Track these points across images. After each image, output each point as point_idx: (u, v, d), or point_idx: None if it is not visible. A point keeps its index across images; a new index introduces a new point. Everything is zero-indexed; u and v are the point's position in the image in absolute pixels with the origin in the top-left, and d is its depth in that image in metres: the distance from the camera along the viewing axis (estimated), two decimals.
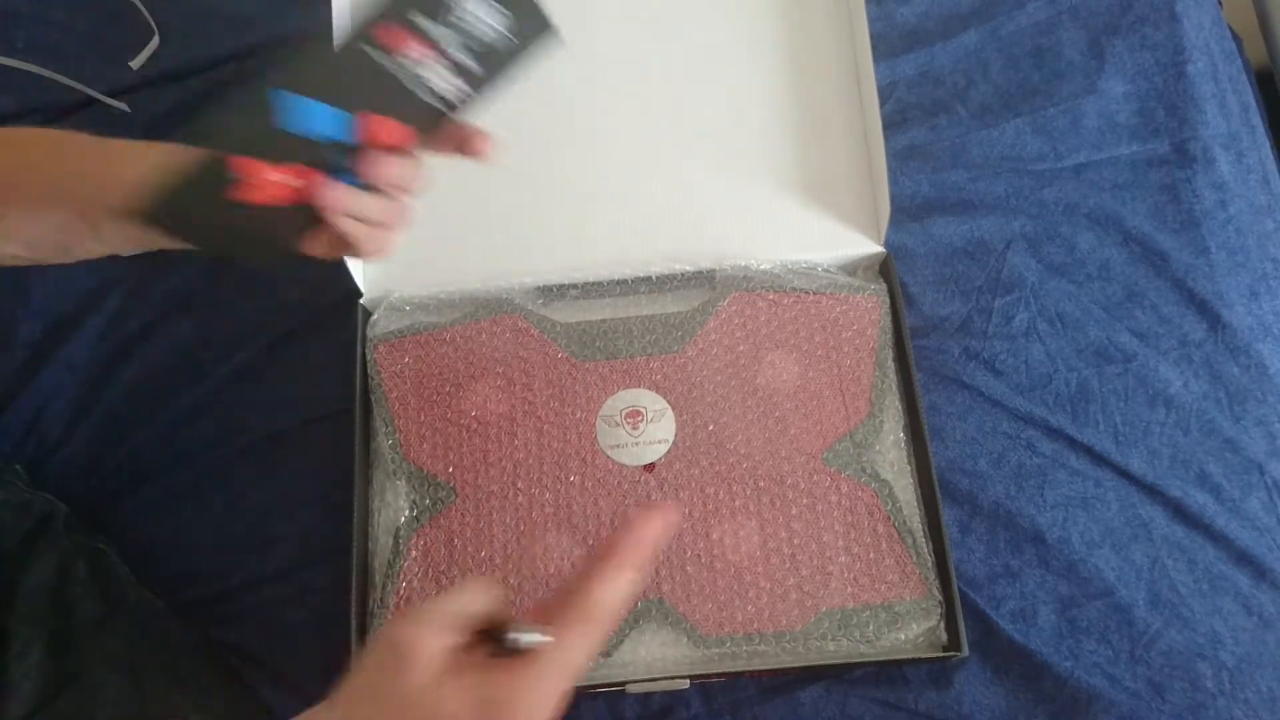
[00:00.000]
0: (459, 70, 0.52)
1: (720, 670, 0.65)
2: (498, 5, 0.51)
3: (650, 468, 0.68)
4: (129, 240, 0.52)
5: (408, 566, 0.67)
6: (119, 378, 0.79)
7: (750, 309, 0.72)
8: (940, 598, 0.66)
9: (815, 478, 0.68)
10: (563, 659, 0.39)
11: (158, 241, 0.52)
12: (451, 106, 0.52)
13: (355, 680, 0.40)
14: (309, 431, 0.76)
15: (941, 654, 0.65)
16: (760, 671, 0.66)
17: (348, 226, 0.51)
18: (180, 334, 0.80)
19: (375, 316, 0.74)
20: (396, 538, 0.68)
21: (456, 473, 0.69)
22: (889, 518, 0.67)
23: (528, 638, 0.40)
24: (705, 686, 0.69)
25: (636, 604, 0.65)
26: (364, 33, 0.50)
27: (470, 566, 0.66)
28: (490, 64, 0.52)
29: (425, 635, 0.39)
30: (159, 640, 0.69)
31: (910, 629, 0.65)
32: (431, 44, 0.51)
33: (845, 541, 0.66)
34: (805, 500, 0.67)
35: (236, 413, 0.77)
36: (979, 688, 0.68)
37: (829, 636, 0.64)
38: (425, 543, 0.67)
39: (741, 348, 0.72)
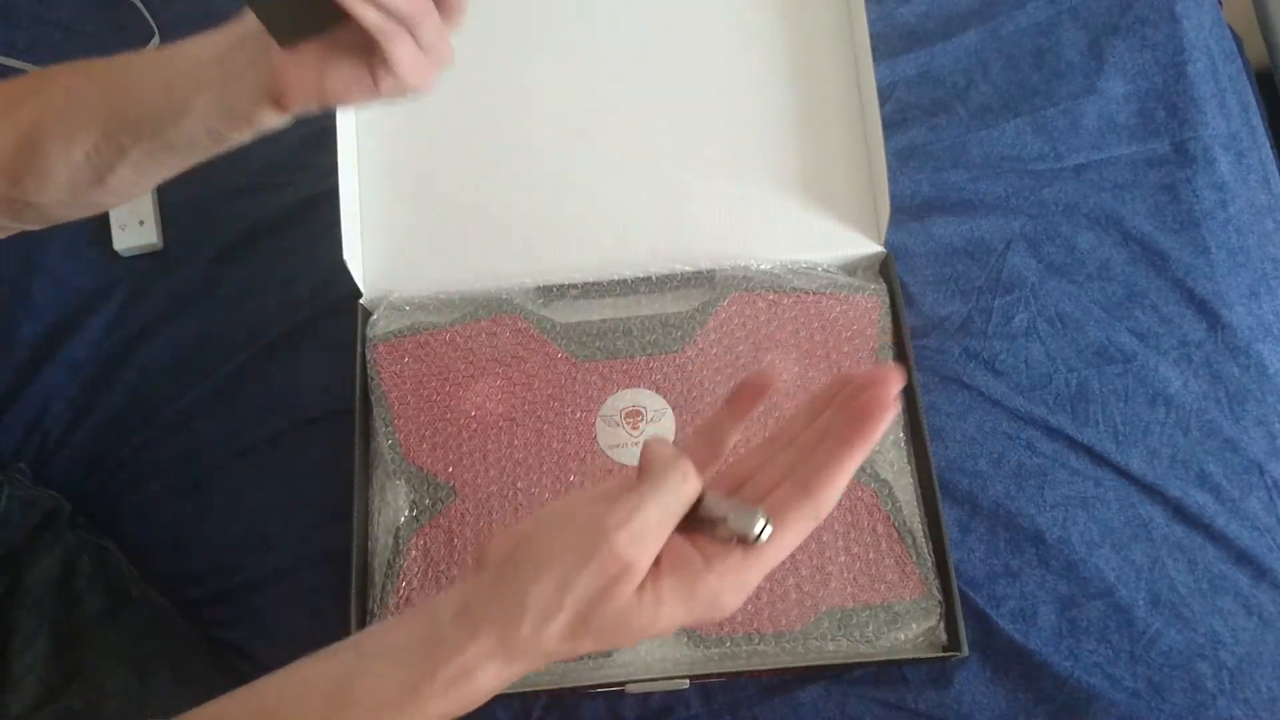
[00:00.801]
0: None
1: (720, 670, 0.65)
2: None
3: None
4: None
5: (407, 566, 0.67)
6: (119, 378, 0.79)
7: (750, 309, 0.72)
8: (940, 598, 0.66)
9: None
10: (779, 550, 0.39)
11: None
12: None
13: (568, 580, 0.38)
14: (309, 431, 0.76)
15: (941, 654, 0.65)
16: (760, 671, 0.66)
17: (369, 16, 0.42)
18: (180, 334, 0.80)
19: (375, 316, 0.74)
20: (396, 538, 0.68)
21: (456, 472, 0.69)
22: (889, 517, 0.67)
23: (756, 529, 0.38)
24: (705, 686, 0.69)
25: None
26: None
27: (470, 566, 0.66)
28: None
29: (649, 551, 0.38)
30: (163, 636, 0.69)
31: (910, 629, 0.65)
32: None
33: (845, 541, 0.66)
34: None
35: (236, 413, 0.77)
36: (979, 688, 0.68)
37: (829, 636, 0.64)
38: (425, 543, 0.67)
39: (741, 348, 0.72)
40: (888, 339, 0.72)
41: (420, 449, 0.69)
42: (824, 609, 0.65)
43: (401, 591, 0.66)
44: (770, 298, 0.73)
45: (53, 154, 0.49)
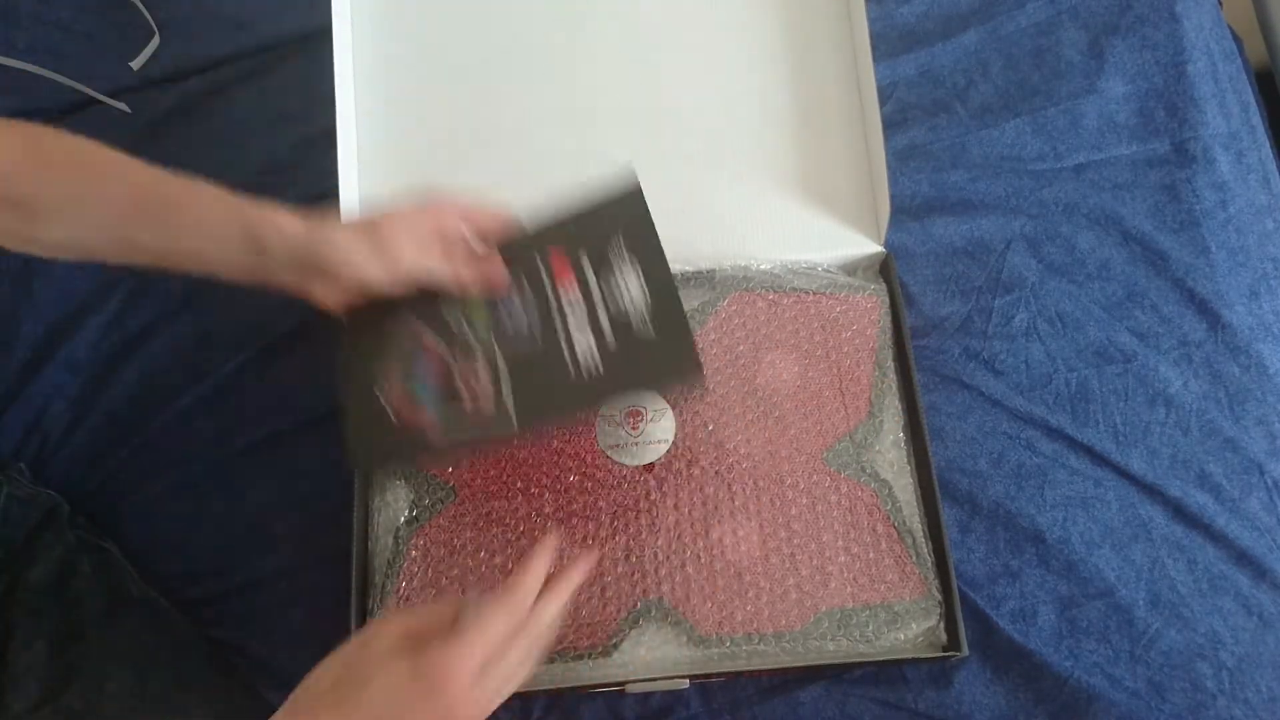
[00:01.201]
0: (594, 327, 0.58)
1: (720, 670, 0.65)
2: (643, 285, 0.59)
3: (650, 468, 0.68)
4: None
5: (408, 566, 0.67)
6: (120, 377, 0.79)
7: (750, 309, 0.72)
8: (940, 598, 0.66)
9: (815, 478, 0.68)
10: (482, 629, 0.46)
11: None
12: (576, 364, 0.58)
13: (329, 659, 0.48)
14: (309, 431, 0.76)
15: (941, 654, 0.65)
16: (760, 671, 0.66)
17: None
18: (180, 334, 0.80)
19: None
20: (396, 538, 0.68)
21: (456, 473, 0.69)
22: (889, 518, 0.67)
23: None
24: (705, 686, 0.69)
25: (637, 603, 0.65)
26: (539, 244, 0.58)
27: (470, 566, 0.66)
28: (620, 338, 0.58)
29: (386, 622, 0.47)
30: (163, 636, 0.69)
31: (910, 629, 0.65)
32: (584, 288, 0.59)
33: (845, 541, 0.66)
34: (805, 500, 0.67)
35: (236, 413, 0.77)
36: (979, 688, 0.68)
37: (829, 636, 0.64)
38: (425, 543, 0.67)
39: (741, 348, 0.71)
40: (888, 339, 0.72)
41: None
42: (824, 609, 0.65)
43: (401, 591, 0.66)
44: (770, 298, 0.73)
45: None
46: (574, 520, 0.67)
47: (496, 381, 0.59)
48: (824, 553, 0.66)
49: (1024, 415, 0.75)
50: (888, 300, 0.73)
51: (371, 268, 0.56)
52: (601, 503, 0.68)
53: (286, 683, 0.70)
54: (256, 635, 0.72)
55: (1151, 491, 0.72)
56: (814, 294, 0.73)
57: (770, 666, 0.65)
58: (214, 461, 0.76)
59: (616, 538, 0.67)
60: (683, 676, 0.64)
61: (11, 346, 0.80)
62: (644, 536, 0.66)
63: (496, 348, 0.59)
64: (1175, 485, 0.72)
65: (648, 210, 0.60)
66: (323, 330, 0.79)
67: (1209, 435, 0.74)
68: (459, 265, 0.59)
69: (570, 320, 0.59)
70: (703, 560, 0.66)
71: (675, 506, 0.67)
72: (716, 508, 0.67)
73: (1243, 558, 0.70)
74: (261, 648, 0.71)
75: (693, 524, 0.67)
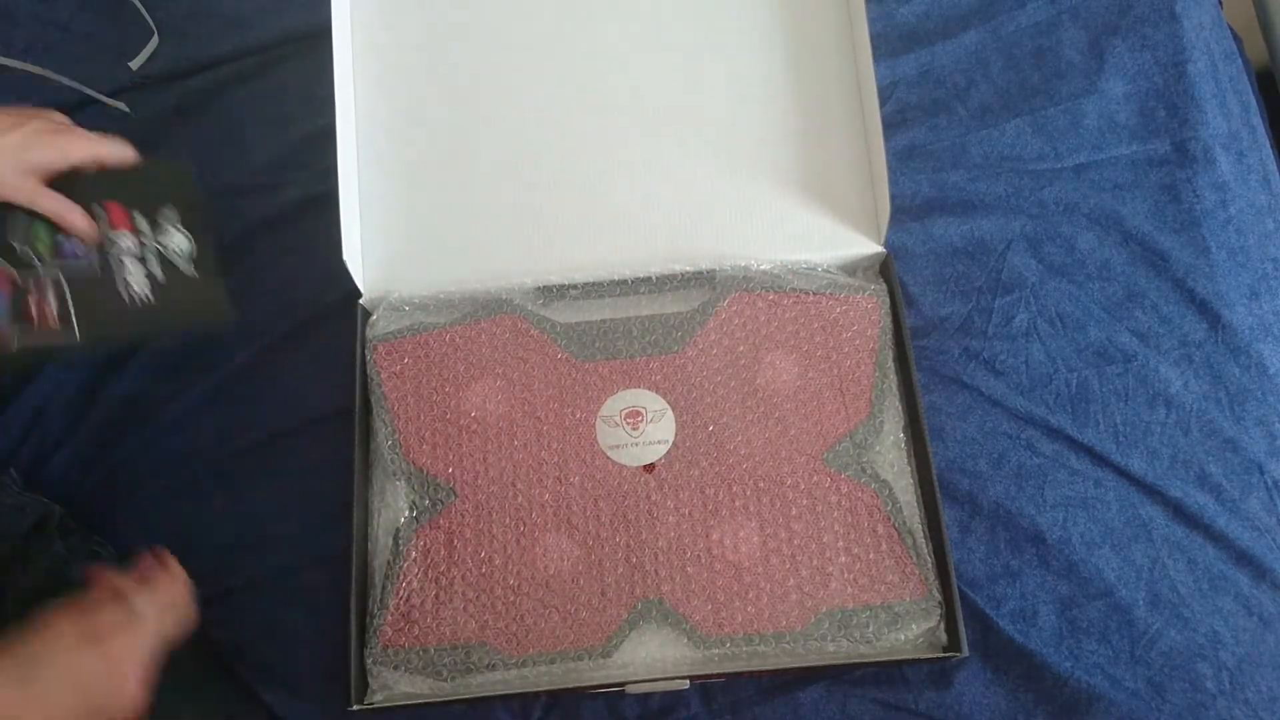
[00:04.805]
0: (146, 266, 0.68)
1: (720, 671, 0.65)
2: (190, 239, 0.69)
3: (650, 468, 0.68)
4: None
5: (407, 567, 0.67)
6: (118, 378, 0.79)
7: (750, 309, 0.72)
8: (940, 598, 0.66)
9: (815, 478, 0.68)
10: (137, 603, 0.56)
11: None
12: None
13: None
14: (309, 431, 0.76)
15: (942, 655, 0.65)
16: (760, 671, 0.66)
17: None
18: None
19: (375, 317, 0.74)
20: (396, 538, 0.68)
21: (456, 473, 0.69)
22: (889, 518, 0.67)
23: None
24: (705, 686, 0.69)
25: (637, 604, 0.65)
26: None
27: (470, 566, 0.66)
28: (169, 277, 0.68)
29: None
30: None
31: (910, 629, 0.65)
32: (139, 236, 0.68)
33: (845, 542, 0.66)
34: (805, 501, 0.67)
35: (236, 413, 0.77)
36: (979, 688, 0.68)
37: (829, 637, 0.64)
38: (425, 543, 0.67)
39: (741, 348, 0.71)
40: (888, 339, 0.72)
41: (420, 449, 0.69)
42: (824, 610, 0.65)
43: (401, 592, 0.66)
44: (770, 298, 0.73)
45: None
46: (574, 521, 0.67)
47: (62, 300, 0.66)
48: (824, 553, 0.66)
49: (1024, 415, 0.75)
50: (888, 301, 0.73)
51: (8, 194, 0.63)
52: (601, 503, 0.68)
53: (286, 683, 0.71)
54: (257, 635, 0.72)
55: (1152, 492, 0.72)
56: (814, 294, 0.73)
57: (771, 667, 0.65)
58: (214, 461, 0.76)
59: (616, 538, 0.67)
60: (683, 677, 0.64)
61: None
62: (644, 537, 0.66)
63: (60, 270, 0.66)
64: (1175, 485, 0.72)
65: (193, 176, 0.71)
66: (324, 330, 0.80)
67: (1209, 435, 0.74)
68: (46, 193, 0.65)
69: (124, 257, 0.67)
70: (703, 561, 0.66)
71: (675, 507, 0.67)
72: (716, 508, 0.67)
73: (1243, 558, 0.70)
74: (261, 648, 0.71)
75: (693, 524, 0.67)
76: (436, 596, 0.66)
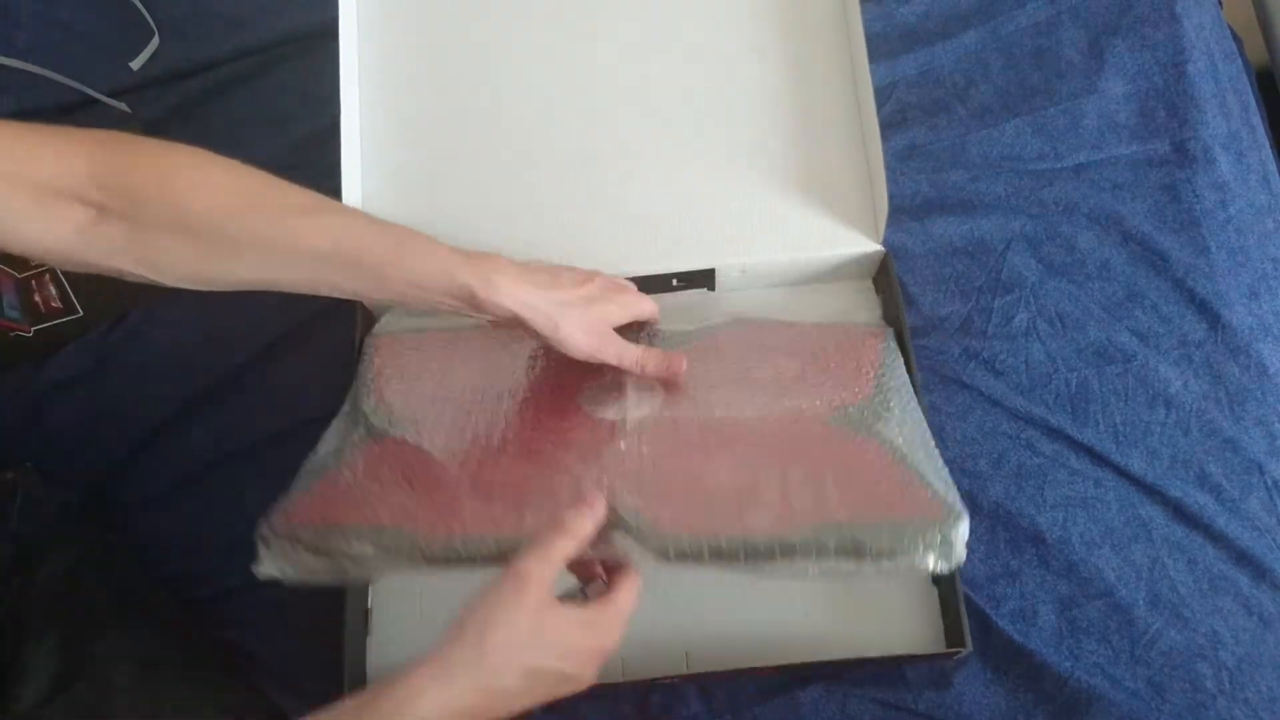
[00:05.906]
0: None
1: (719, 669, 0.65)
2: None
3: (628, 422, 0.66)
4: None
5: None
6: (120, 377, 0.79)
7: (750, 310, 0.72)
8: (958, 508, 0.54)
9: (816, 429, 0.62)
10: (622, 604, 0.53)
11: None
12: None
13: (481, 603, 0.48)
14: (309, 431, 0.76)
15: (946, 651, 0.65)
16: (760, 671, 0.66)
17: None
18: (181, 333, 0.80)
19: (385, 319, 0.74)
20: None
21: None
22: (897, 463, 0.58)
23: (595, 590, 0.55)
24: (705, 686, 0.69)
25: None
26: None
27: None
28: None
29: (543, 568, 0.49)
30: (172, 634, 0.70)
31: (917, 548, 0.53)
32: None
33: (843, 462, 0.59)
34: (803, 447, 0.61)
35: (236, 413, 0.78)
36: (979, 688, 0.68)
37: (814, 553, 0.53)
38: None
39: (742, 349, 0.71)
40: (892, 342, 0.71)
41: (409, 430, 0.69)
42: (813, 521, 0.54)
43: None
44: (770, 298, 0.72)
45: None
46: (543, 461, 0.63)
47: (61, 287, 0.79)
48: (816, 468, 0.58)
49: (1024, 415, 0.75)
50: (894, 342, 0.70)
51: (581, 347, 0.61)
52: (574, 454, 0.62)
53: (289, 683, 0.70)
54: (257, 635, 0.72)
55: (1151, 491, 0.72)
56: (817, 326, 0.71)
57: (771, 665, 0.65)
58: (214, 461, 0.76)
59: (590, 474, 0.60)
60: (683, 676, 0.64)
61: None
62: (615, 473, 0.60)
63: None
64: (1175, 485, 0.72)
65: None
66: (324, 330, 0.80)
67: (1209, 435, 0.74)
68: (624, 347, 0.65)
69: None
70: (676, 479, 0.59)
71: (650, 441, 0.62)
72: (705, 447, 0.61)
73: (1243, 558, 0.70)
74: (263, 647, 0.71)
75: (668, 455, 0.61)
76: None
